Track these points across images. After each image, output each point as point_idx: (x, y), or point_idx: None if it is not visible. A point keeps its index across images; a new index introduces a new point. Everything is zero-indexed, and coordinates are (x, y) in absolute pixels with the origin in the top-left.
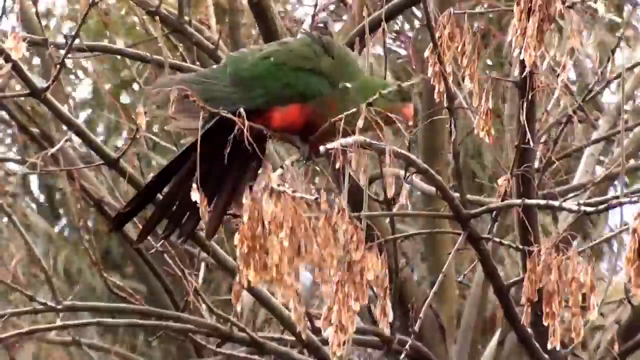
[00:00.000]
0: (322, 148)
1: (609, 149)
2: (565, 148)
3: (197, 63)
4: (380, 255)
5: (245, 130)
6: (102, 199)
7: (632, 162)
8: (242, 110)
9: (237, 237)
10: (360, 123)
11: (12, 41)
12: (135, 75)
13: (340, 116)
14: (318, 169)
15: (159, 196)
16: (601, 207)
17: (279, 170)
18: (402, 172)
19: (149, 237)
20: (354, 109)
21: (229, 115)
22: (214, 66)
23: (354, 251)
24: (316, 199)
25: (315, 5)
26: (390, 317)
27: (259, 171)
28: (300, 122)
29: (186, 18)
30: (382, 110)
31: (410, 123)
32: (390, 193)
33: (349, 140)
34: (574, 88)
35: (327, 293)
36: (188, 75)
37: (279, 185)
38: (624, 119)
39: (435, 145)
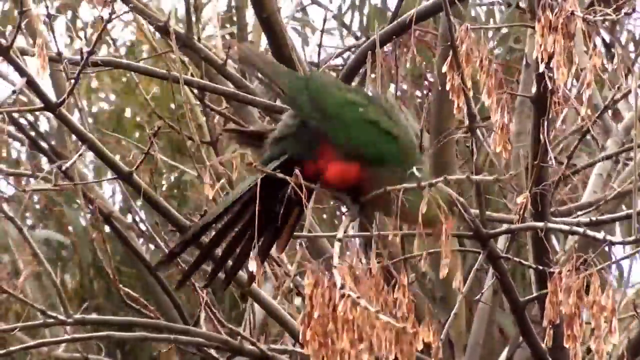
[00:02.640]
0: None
1: (615, 170)
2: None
3: (205, 78)
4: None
5: (298, 189)
6: (112, 214)
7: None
8: (297, 171)
9: (305, 330)
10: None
11: (39, 59)
12: (142, 91)
13: (396, 187)
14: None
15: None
16: (628, 238)
17: (337, 245)
18: None
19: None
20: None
21: (283, 176)
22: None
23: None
24: (377, 311)
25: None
26: None
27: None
28: (353, 182)
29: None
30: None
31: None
32: None
33: None
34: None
35: None
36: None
37: (342, 288)
38: (636, 135)
39: (445, 162)
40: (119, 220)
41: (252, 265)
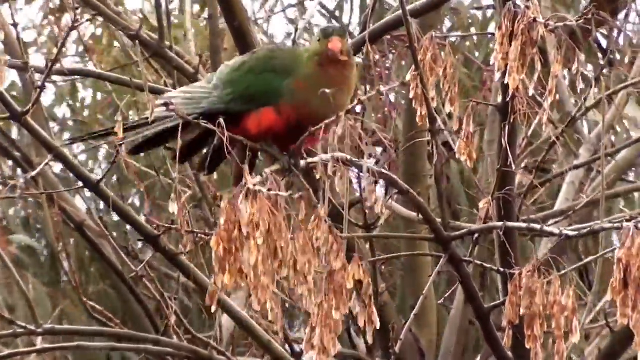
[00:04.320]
0: (302, 162)
1: (589, 178)
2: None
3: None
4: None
5: (224, 140)
6: (84, 222)
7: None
8: (221, 120)
9: (213, 239)
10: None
11: None
12: (114, 98)
13: (319, 125)
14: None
15: None
16: (583, 231)
17: (258, 178)
18: (381, 194)
19: (128, 261)
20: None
21: (207, 124)
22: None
23: (334, 260)
24: (291, 194)
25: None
26: (377, 324)
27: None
28: (279, 124)
29: (167, 42)
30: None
31: (338, 55)
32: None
33: (329, 156)
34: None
35: (308, 307)
36: (184, 88)
37: (255, 185)
38: (604, 145)
39: (416, 169)
40: (91, 229)
41: (173, 207)
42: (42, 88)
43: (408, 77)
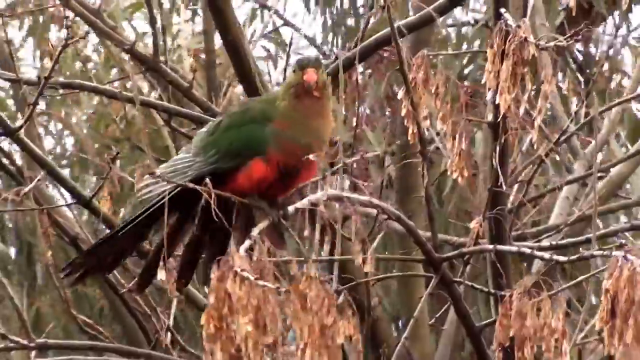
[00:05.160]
0: (290, 208)
1: (583, 192)
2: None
3: (173, 101)
4: (353, 315)
5: (211, 200)
6: (78, 236)
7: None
8: (207, 180)
9: (203, 317)
10: None
11: None
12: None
13: (306, 182)
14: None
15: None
16: (573, 257)
17: (247, 243)
18: (374, 211)
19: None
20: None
21: (194, 186)
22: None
23: (325, 316)
24: (277, 287)
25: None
26: None
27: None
28: (270, 173)
29: (161, 57)
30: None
31: (314, 86)
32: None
33: (318, 195)
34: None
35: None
36: (161, 166)
37: (242, 270)
38: (597, 162)
39: (410, 186)
40: (86, 243)
41: (161, 274)
42: (35, 104)
43: (400, 95)
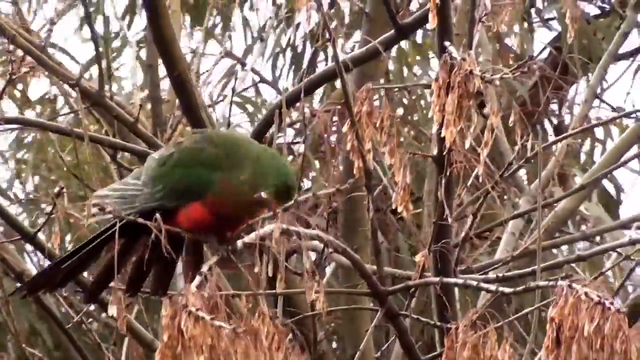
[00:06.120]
0: (239, 243)
1: (528, 228)
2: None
3: (118, 137)
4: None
5: (160, 234)
6: (24, 272)
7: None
8: (157, 215)
9: (157, 354)
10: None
11: None
12: (57, 149)
13: (257, 218)
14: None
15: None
16: (519, 289)
17: (197, 280)
18: (320, 245)
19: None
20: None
21: (142, 221)
22: (135, 170)
23: (275, 352)
24: (234, 328)
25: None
26: None
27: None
28: (207, 218)
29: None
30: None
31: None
32: (309, 266)
33: (267, 229)
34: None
35: None
36: (114, 185)
37: (198, 310)
38: (541, 196)
39: (355, 219)
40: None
41: (112, 310)
42: None
43: (344, 129)
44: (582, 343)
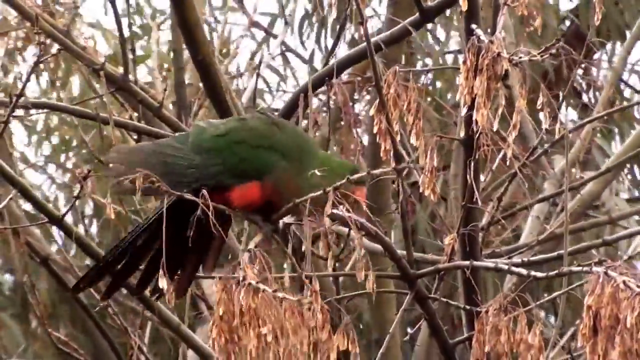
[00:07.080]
0: (280, 223)
1: (554, 212)
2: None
3: (142, 121)
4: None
5: (208, 211)
6: (49, 256)
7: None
8: (204, 191)
9: (213, 329)
10: (328, 208)
11: None
12: (82, 134)
13: (304, 198)
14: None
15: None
16: (551, 273)
17: (246, 255)
18: (344, 229)
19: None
20: (319, 191)
21: (192, 197)
22: (177, 134)
23: (320, 331)
24: (299, 300)
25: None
26: None
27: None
28: (259, 200)
29: (131, 77)
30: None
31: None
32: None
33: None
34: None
35: None
36: (147, 145)
37: (258, 282)
38: (568, 179)
39: (380, 204)
40: (57, 263)
41: (162, 282)
42: (7, 122)
43: (372, 112)
44: (625, 334)
